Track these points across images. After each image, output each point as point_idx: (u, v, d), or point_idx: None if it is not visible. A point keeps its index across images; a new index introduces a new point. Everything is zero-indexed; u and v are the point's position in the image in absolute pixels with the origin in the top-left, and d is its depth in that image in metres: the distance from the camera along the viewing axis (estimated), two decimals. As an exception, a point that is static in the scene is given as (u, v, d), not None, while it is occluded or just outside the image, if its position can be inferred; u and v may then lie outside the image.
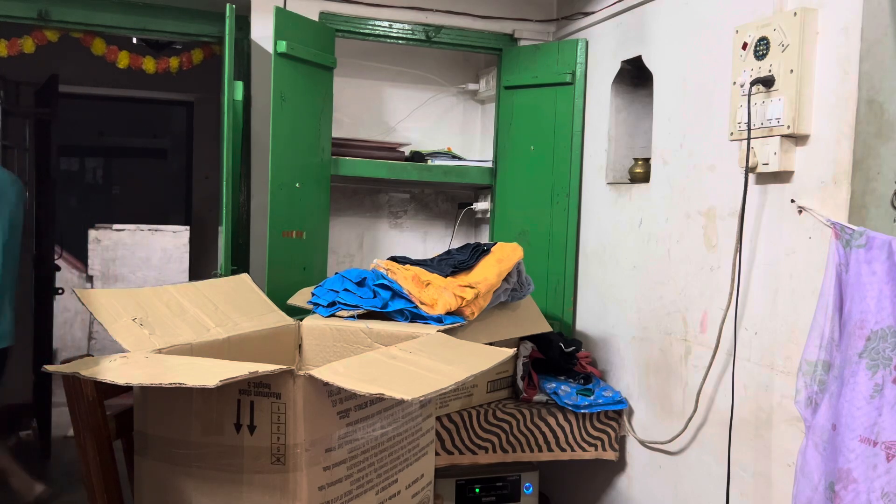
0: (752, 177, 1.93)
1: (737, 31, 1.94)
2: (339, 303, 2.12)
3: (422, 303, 2.13)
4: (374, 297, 2.15)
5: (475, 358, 1.57)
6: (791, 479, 1.73)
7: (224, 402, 1.37)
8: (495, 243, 2.45)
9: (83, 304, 1.62)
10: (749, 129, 1.84)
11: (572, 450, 2.48)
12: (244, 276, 2.10)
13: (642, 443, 2.47)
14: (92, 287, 5.59)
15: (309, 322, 2.06)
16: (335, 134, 2.96)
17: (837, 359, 1.60)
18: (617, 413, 2.52)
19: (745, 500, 1.98)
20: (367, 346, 1.94)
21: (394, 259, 2.39)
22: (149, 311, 1.69)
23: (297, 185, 2.73)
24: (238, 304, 1.93)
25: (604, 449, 2.51)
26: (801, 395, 1.68)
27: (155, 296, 1.76)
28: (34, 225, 4.10)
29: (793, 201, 1.82)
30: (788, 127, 1.78)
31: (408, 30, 3.04)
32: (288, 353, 2.00)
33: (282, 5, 2.82)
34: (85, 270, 5.77)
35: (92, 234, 5.75)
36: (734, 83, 1.94)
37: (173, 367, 1.39)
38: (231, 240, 2.71)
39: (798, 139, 1.81)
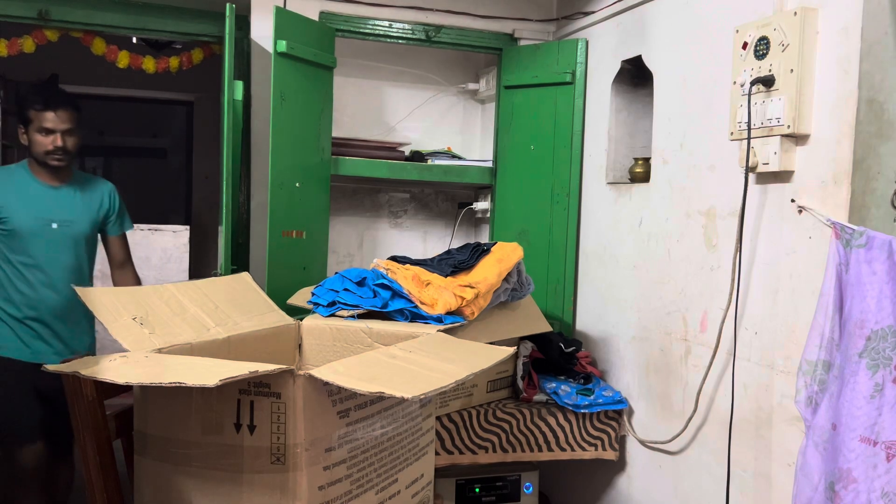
0: (752, 176, 1.93)
1: (737, 31, 1.94)
2: (339, 302, 2.12)
3: (422, 302, 2.13)
4: (374, 296, 2.15)
5: (475, 357, 1.56)
6: (791, 479, 1.73)
7: (224, 401, 1.37)
8: (495, 243, 2.45)
9: (83, 302, 1.62)
10: (749, 129, 1.84)
11: (572, 449, 2.48)
12: (244, 274, 2.10)
13: (642, 442, 2.47)
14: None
15: (309, 322, 2.06)
16: (335, 133, 2.96)
17: (837, 358, 1.60)
18: (617, 413, 2.52)
19: (745, 500, 1.98)
20: (367, 346, 1.94)
21: (394, 259, 2.39)
22: (149, 310, 1.69)
23: (297, 184, 2.73)
24: (238, 303, 1.93)
25: (604, 449, 2.51)
26: (801, 394, 1.68)
27: (155, 294, 1.75)
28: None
29: (793, 201, 1.82)
30: (788, 126, 1.78)
31: (408, 29, 3.04)
32: (288, 352, 2.00)
33: (282, 5, 2.82)
34: (85, 270, 5.76)
35: (92, 233, 5.74)
36: (734, 83, 1.94)
37: (173, 366, 1.39)
38: (231, 239, 2.71)
39: (798, 139, 1.81)
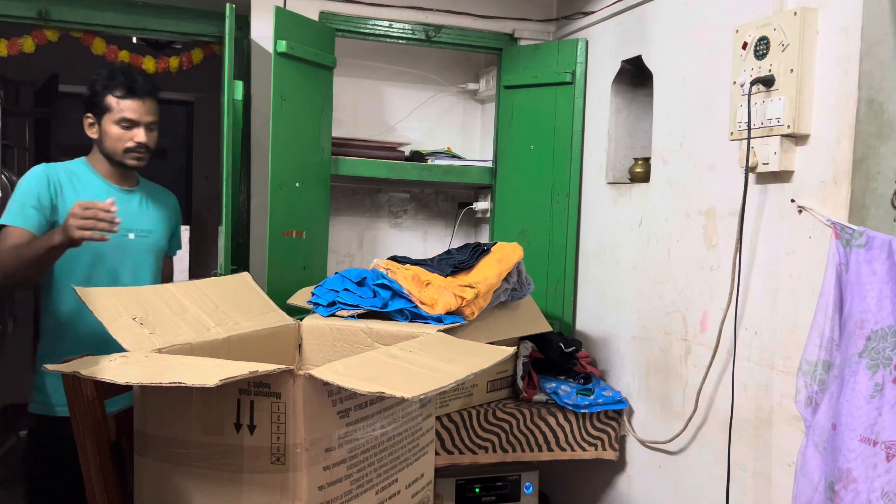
0: (752, 176, 1.93)
1: (737, 31, 1.94)
2: (339, 302, 2.12)
3: (422, 302, 2.13)
4: (374, 296, 2.15)
5: (475, 357, 1.56)
6: (791, 479, 1.73)
7: (224, 401, 1.37)
8: (495, 243, 2.46)
9: (83, 302, 1.62)
10: (749, 129, 1.84)
11: (572, 449, 2.48)
12: (244, 274, 2.10)
13: (642, 442, 2.47)
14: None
15: (309, 322, 2.06)
16: (335, 133, 2.96)
17: (837, 358, 1.60)
18: (617, 413, 2.52)
19: (745, 500, 1.98)
20: (367, 346, 1.94)
21: (394, 259, 2.39)
22: (149, 310, 1.69)
23: (297, 184, 2.73)
24: (238, 303, 1.93)
25: (604, 449, 2.51)
26: (801, 394, 1.68)
27: (155, 294, 1.75)
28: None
29: (793, 201, 1.82)
30: (788, 126, 1.78)
31: (408, 29, 3.04)
32: (288, 352, 2.00)
33: (282, 5, 2.83)
34: (85, 270, 5.75)
35: (92, 233, 5.72)
36: (734, 83, 1.94)
37: (173, 366, 1.39)
38: (231, 239, 2.71)
39: (798, 139, 1.81)
